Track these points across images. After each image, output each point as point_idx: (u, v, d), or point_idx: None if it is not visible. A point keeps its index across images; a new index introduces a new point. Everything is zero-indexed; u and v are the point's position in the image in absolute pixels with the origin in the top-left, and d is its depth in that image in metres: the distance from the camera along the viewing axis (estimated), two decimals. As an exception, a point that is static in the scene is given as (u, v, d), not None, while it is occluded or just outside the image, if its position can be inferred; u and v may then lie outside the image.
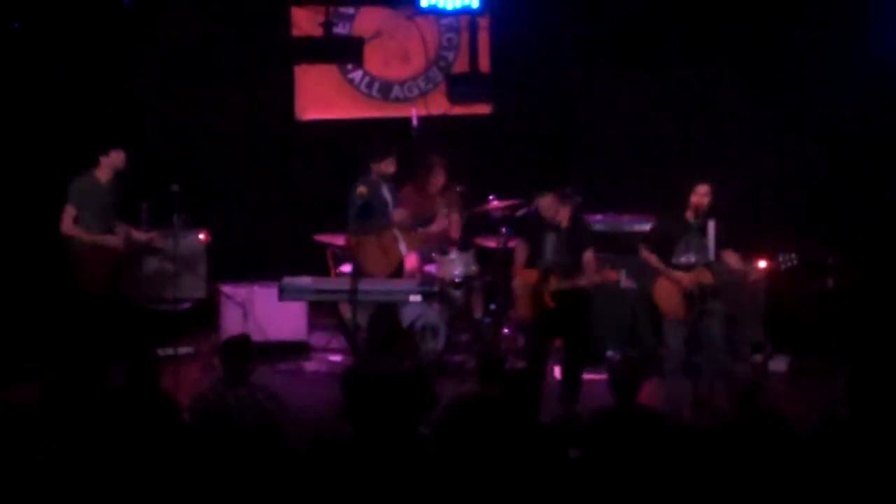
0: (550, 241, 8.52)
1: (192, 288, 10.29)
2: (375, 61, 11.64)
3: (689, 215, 8.39)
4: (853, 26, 10.52)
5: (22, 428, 7.85)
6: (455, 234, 10.09)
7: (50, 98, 10.64)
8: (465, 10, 11.22)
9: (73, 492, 6.17)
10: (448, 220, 9.88)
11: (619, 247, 9.59)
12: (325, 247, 10.30)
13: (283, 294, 9.12)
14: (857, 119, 10.55)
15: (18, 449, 7.45)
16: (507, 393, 6.63)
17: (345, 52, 11.24)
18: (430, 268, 9.97)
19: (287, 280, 9.18)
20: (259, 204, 11.61)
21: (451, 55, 11.86)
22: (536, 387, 7.74)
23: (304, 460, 6.00)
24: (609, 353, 9.70)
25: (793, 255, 8.23)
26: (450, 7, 11.10)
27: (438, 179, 10.01)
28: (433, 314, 9.69)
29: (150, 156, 10.18)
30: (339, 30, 11.39)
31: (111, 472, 6.15)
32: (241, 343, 7.00)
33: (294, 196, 11.67)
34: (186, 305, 10.23)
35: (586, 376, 8.63)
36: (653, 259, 8.48)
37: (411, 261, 9.68)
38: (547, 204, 8.53)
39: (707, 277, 8.31)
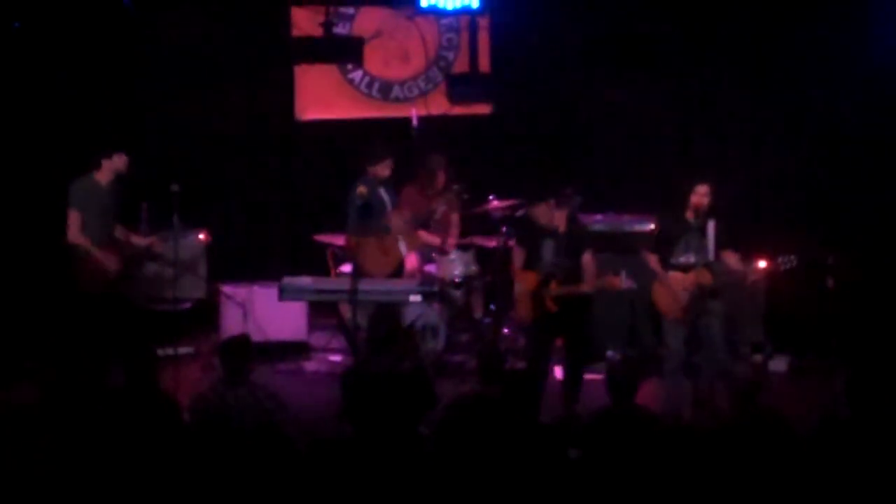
0: (548, 246, 8.49)
1: (192, 288, 10.29)
2: (375, 61, 11.64)
3: (689, 215, 8.39)
4: (853, 26, 10.51)
5: (22, 428, 7.85)
6: (454, 236, 10.08)
7: (50, 98, 10.62)
8: (465, 10, 11.21)
9: (73, 492, 6.16)
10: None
11: (619, 247, 9.60)
12: (325, 247, 10.30)
13: (283, 294, 9.11)
14: (857, 119, 10.53)
15: (18, 449, 7.45)
16: (507, 393, 6.63)
17: (345, 52, 11.23)
18: (430, 268, 9.97)
19: (287, 280, 9.17)
20: (259, 204, 11.62)
21: (451, 55, 11.86)
22: (536, 387, 7.76)
23: (304, 460, 6.00)
24: (609, 353, 9.69)
25: (792, 257, 8.23)
26: (450, 7, 11.09)
27: (439, 180, 10.01)
28: (433, 314, 9.69)
29: (150, 156, 10.16)
30: (339, 30, 11.38)
31: (111, 472, 6.14)
32: (241, 343, 7.01)
33: (294, 196, 11.69)
34: (186, 305, 10.23)
35: (586, 376, 8.63)
36: (652, 260, 8.48)
37: (411, 261, 9.68)
38: (541, 212, 8.53)
39: (707, 277, 8.31)
